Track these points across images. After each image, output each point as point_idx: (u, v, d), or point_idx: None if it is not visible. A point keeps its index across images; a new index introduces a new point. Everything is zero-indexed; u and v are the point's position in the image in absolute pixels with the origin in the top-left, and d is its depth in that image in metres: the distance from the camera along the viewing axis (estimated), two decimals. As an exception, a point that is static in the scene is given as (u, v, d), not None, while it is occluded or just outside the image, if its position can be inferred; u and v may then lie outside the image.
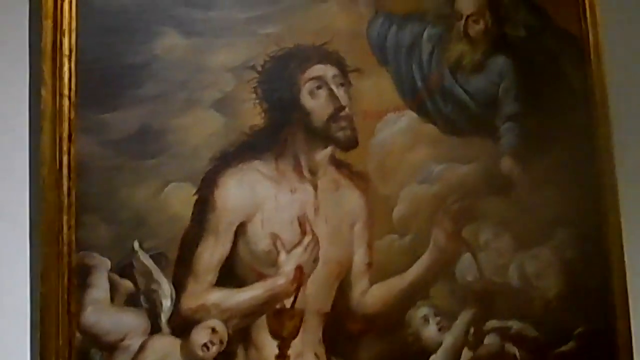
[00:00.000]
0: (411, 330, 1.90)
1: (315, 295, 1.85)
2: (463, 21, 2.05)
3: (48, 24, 1.76)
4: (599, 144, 2.09)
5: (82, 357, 1.69)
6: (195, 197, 1.80)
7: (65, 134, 1.73)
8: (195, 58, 1.86)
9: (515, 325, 1.97)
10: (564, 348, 1.99)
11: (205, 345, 1.75)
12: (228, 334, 1.77)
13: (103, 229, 1.74)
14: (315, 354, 1.83)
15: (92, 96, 1.77)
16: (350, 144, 1.91)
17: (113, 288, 1.73)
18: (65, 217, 1.71)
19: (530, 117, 2.07)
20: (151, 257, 1.75)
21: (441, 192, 1.97)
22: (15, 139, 1.75)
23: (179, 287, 1.76)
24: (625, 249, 2.06)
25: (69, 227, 1.71)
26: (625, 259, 2.05)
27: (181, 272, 1.77)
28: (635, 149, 2.13)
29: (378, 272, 1.90)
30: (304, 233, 1.85)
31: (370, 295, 1.90)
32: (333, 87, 1.91)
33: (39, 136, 1.73)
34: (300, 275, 1.83)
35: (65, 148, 1.73)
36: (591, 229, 2.06)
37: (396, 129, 1.97)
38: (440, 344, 1.91)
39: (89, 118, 1.76)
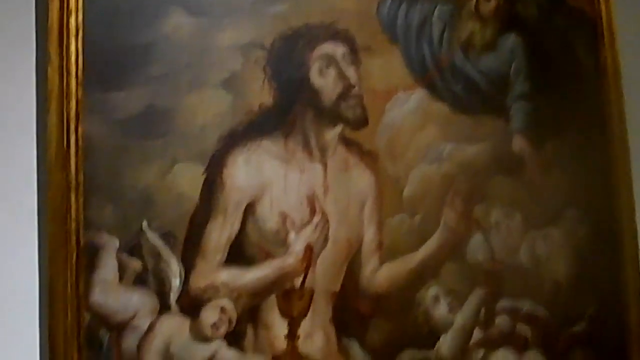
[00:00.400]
0: (421, 310, 1.89)
1: (325, 275, 1.84)
2: (474, -1, 2.04)
3: (54, 3, 1.75)
4: (611, 124, 2.08)
5: (91, 337, 1.69)
6: (204, 176, 1.79)
7: (72, 113, 1.72)
8: (202, 37, 1.84)
9: (526, 305, 1.96)
10: (575, 328, 1.98)
11: (214, 324, 1.75)
12: (237, 314, 1.76)
13: (111, 209, 1.73)
14: (325, 334, 1.82)
15: (99, 75, 1.76)
16: (360, 122, 1.90)
17: (121, 268, 1.72)
18: (73, 197, 1.70)
19: (541, 97, 2.05)
20: (160, 236, 1.75)
21: (451, 172, 1.96)
22: (22, 119, 1.74)
23: (187, 266, 1.75)
24: (637, 229, 2.04)
25: (77, 207, 1.71)
26: (638, 239, 2.04)
27: (190, 252, 1.76)
28: (648, 129, 2.11)
29: (388, 252, 1.89)
30: (313, 212, 1.84)
31: (380, 275, 1.88)
32: (342, 65, 1.89)
33: (46, 116, 1.71)
34: (310, 255, 1.82)
35: (72, 127, 1.72)
36: (603, 210, 2.05)
37: (406, 108, 1.96)
38: (451, 324, 1.90)
39: (95, 97, 1.75)
